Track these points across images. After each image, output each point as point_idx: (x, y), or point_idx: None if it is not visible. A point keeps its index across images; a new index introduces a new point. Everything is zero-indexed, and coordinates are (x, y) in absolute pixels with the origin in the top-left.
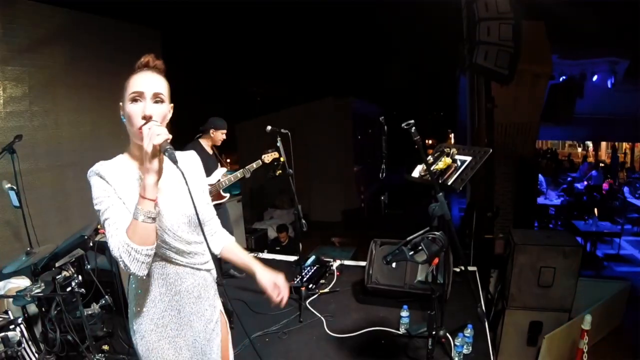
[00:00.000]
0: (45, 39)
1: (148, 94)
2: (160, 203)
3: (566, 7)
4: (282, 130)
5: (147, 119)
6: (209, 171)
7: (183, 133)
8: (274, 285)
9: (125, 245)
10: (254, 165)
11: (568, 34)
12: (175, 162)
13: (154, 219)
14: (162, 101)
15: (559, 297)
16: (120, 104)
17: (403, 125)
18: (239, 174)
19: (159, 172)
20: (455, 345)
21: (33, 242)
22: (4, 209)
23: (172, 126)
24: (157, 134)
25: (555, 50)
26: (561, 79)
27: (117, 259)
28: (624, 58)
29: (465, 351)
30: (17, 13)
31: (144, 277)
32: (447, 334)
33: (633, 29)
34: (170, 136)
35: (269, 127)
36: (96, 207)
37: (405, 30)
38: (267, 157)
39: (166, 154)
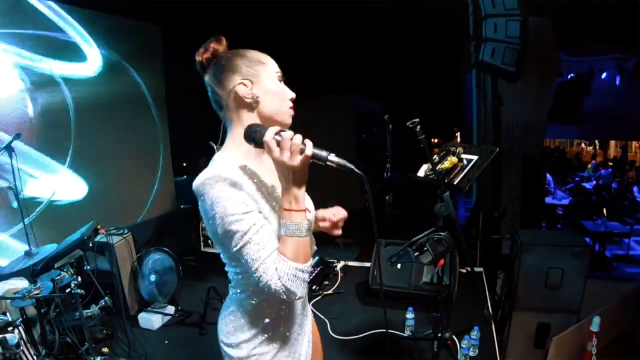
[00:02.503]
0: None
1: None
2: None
3: (574, 4)
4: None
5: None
6: None
7: (182, 130)
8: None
9: (294, 270)
10: None
11: (576, 31)
12: (353, 171)
13: (309, 230)
14: None
15: (567, 298)
16: (247, 80)
17: (408, 123)
18: None
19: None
20: (461, 347)
21: (32, 242)
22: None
23: (174, 124)
24: (300, 144)
25: (563, 48)
26: (569, 77)
27: (279, 291)
28: (632, 55)
29: (471, 354)
30: (12, 9)
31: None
32: (453, 336)
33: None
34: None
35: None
36: (227, 227)
37: (410, 27)
38: None
39: (328, 162)
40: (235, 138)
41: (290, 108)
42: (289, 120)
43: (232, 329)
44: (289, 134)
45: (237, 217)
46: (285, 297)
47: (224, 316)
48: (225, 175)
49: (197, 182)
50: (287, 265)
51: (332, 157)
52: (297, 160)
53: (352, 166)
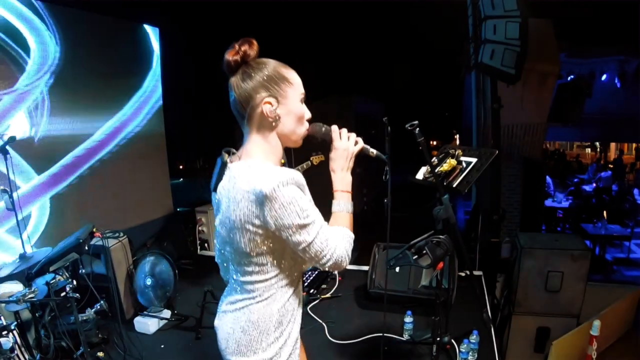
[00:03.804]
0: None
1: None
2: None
3: (574, 5)
4: None
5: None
6: None
7: (181, 130)
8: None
9: (351, 239)
10: (304, 165)
11: (576, 32)
12: (384, 159)
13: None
14: None
15: (567, 302)
16: (274, 99)
17: (407, 126)
18: None
19: None
20: (460, 351)
21: (27, 245)
22: None
23: (170, 126)
24: (355, 138)
25: (563, 49)
26: (569, 78)
27: (343, 259)
28: (633, 57)
29: (470, 358)
30: None
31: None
32: (452, 341)
33: (638, 27)
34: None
35: None
36: (301, 221)
37: (410, 29)
38: (315, 160)
39: (371, 153)
40: (260, 148)
41: (306, 130)
42: (300, 143)
43: (257, 334)
44: (346, 130)
45: (310, 211)
46: (345, 263)
47: (231, 332)
48: (295, 179)
49: (269, 186)
50: (348, 235)
51: (373, 150)
52: (356, 148)
53: (384, 157)
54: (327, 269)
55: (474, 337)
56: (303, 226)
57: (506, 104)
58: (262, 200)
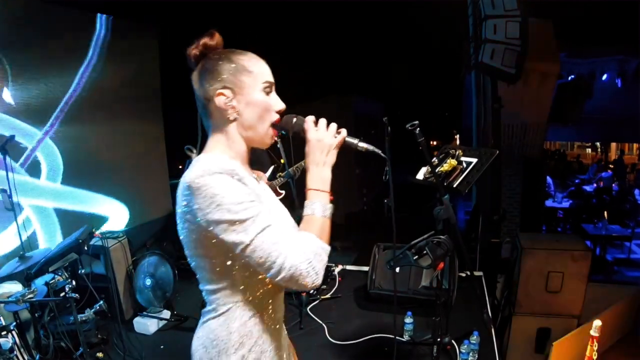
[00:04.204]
0: (33, 37)
1: (274, 86)
2: (279, 213)
3: (574, 4)
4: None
5: (282, 114)
6: (263, 166)
7: (178, 132)
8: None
9: (320, 249)
10: (302, 163)
11: (576, 32)
12: (379, 155)
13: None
14: None
15: (568, 302)
16: (228, 90)
17: (407, 126)
18: (291, 171)
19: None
20: (460, 352)
21: (26, 245)
22: None
23: (169, 125)
24: (337, 129)
25: (563, 49)
26: (570, 78)
27: (302, 271)
28: (633, 57)
29: (471, 359)
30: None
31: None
32: (452, 341)
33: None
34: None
35: None
36: (234, 217)
37: (410, 28)
38: None
39: (359, 147)
40: (219, 143)
41: (275, 123)
42: (268, 140)
43: (215, 354)
44: (325, 120)
45: (247, 205)
46: (308, 279)
47: (196, 347)
48: (226, 167)
49: (192, 176)
50: (315, 243)
51: (362, 144)
52: (336, 139)
53: (378, 151)
54: (282, 284)
55: (474, 338)
56: (237, 223)
57: (506, 103)
58: (187, 192)
